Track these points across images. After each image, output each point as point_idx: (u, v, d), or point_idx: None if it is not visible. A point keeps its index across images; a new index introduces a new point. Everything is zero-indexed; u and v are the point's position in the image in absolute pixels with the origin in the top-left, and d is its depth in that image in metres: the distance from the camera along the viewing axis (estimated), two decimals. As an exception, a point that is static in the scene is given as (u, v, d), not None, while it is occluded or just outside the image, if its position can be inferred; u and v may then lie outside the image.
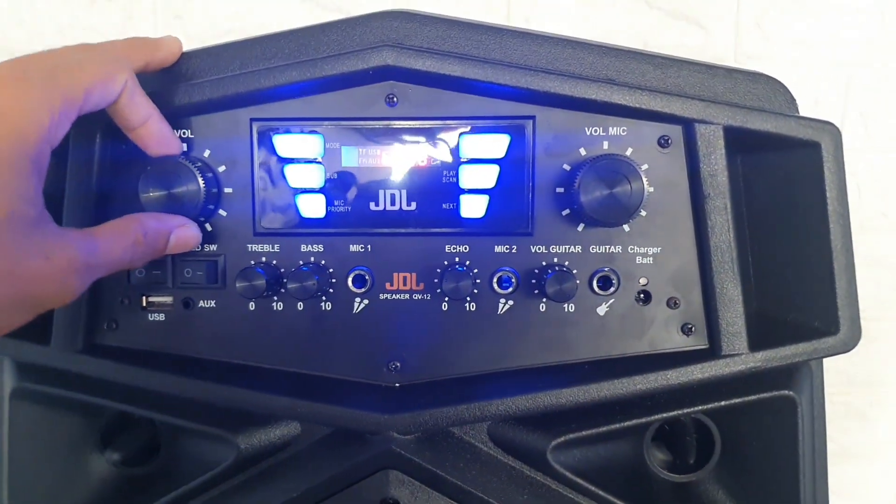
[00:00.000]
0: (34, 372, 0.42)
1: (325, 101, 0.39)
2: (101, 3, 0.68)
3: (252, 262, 0.40)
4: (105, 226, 0.34)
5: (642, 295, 0.40)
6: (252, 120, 0.40)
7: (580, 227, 0.39)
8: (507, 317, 0.40)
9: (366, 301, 0.41)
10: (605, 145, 0.39)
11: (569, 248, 0.40)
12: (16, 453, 0.43)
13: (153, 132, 0.37)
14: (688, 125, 0.38)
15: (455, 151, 0.39)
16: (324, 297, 0.40)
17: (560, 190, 0.39)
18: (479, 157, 0.39)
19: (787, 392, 0.40)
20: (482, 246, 0.40)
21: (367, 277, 0.40)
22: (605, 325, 0.40)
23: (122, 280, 0.41)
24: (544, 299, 0.40)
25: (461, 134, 0.39)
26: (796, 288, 0.39)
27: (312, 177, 0.40)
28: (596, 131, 0.39)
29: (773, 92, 0.40)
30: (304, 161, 0.39)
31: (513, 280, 0.39)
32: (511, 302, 0.40)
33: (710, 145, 0.38)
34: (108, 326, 0.42)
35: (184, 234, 0.37)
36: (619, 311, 0.40)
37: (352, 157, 0.40)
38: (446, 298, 0.40)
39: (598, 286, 0.39)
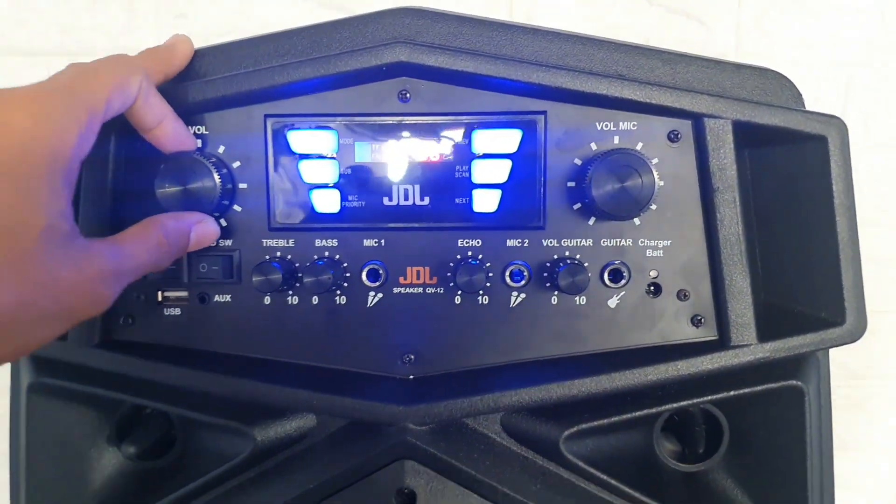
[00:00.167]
0: (51, 366, 0.43)
1: (339, 97, 0.40)
2: (102, 3, 0.68)
3: (267, 257, 0.41)
4: (127, 232, 0.34)
5: (652, 287, 0.40)
6: (266, 116, 0.40)
7: (591, 221, 0.40)
8: (519, 310, 0.41)
9: (380, 295, 0.41)
10: (616, 140, 0.39)
11: (580, 242, 0.40)
12: (34, 447, 0.43)
13: (168, 132, 0.38)
14: (697, 120, 0.39)
15: (467, 146, 0.40)
16: (338, 291, 0.41)
17: (571, 184, 0.40)
18: (491, 152, 0.39)
19: (794, 382, 0.41)
20: (494, 240, 0.40)
21: (380, 271, 0.40)
22: (616, 318, 0.41)
23: (139, 275, 0.41)
24: (556, 292, 0.40)
25: (473, 129, 0.39)
26: (803, 280, 0.40)
27: (326, 172, 0.40)
28: (606, 126, 0.39)
29: (779, 87, 0.41)
30: (318, 157, 0.40)
31: (525, 273, 0.40)
32: (523, 295, 0.41)
33: (719, 139, 0.39)
34: (125, 321, 0.42)
35: (203, 229, 0.38)
36: (630, 303, 0.40)
37: (365, 153, 0.40)
38: (459, 292, 0.41)
39: (609, 279, 0.40)
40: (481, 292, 0.41)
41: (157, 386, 0.41)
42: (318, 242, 0.41)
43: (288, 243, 0.41)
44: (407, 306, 0.41)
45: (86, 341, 0.41)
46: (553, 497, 0.40)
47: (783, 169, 0.40)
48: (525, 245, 0.40)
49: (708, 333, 0.40)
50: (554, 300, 0.41)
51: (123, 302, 0.42)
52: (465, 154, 0.40)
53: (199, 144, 0.40)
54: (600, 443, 0.43)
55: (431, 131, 0.40)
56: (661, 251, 0.40)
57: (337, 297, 0.41)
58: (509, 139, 0.39)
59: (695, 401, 0.41)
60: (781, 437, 0.42)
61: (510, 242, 0.40)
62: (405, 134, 0.40)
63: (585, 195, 0.38)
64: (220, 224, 0.41)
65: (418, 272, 0.41)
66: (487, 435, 0.42)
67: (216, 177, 0.38)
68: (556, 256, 0.40)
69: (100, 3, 0.68)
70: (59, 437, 0.44)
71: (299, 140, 0.40)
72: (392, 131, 0.40)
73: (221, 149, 0.40)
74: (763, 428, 0.43)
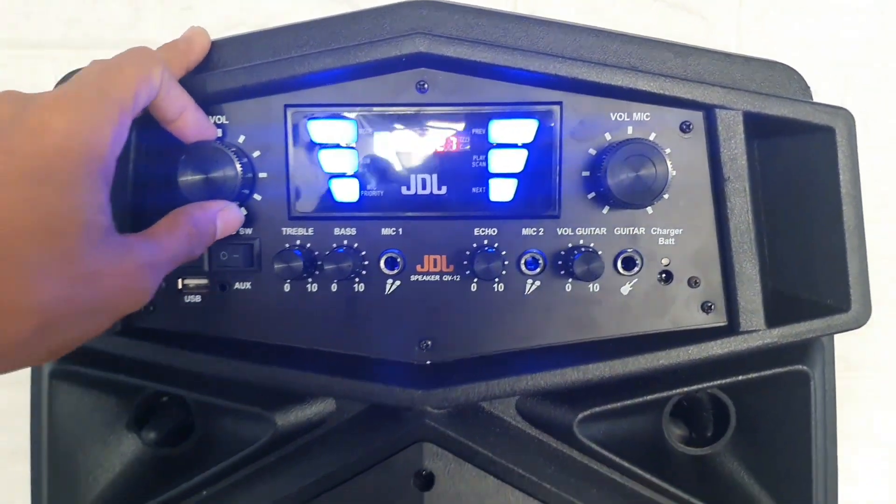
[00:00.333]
0: (73, 353, 0.43)
1: (357, 87, 0.41)
2: (108, -5, 0.68)
3: (287, 245, 0.41)
4: (158, 226, 0.35)
5: (664, 275, 0.41)
6: (286, 106, 0.41)
7: (605, 210, 0.41)
8: (533, 297, 0.42)
9: (397, 282, 0.42)
10: (630, 130, 0.40)
11: (594, 230, 0.41)
12: (55, 433, 0.44)
13: (190, 122, 0.39)
14: (709, 111, 0.40)
15: (484, 136, 0.40)
16: (357, 279, 0.42)
17: (586, 173, 0.41)
18: (507, 141, 0.40)
19: (800, 367, 0.42)
20: (510, 228, 0.41)
21: (398, 260, 0.41)
22: (629, 304, 0.42)
23: (159, 263, 0.42)
24: (570, 280, 0.41)
25: (490, 119, 0.40)
26: (810, 267, 0.41)
27: (346, 162, 0.41)
28: (620, 117, 0.40)
29: (788, 79, 0.42)
30: (337, 146, 0.41)
31: (540, 261, 0.41)
32: (538, 282, 0.42)
33: (730, 130, 0.40)
34: (146, 309, 0.43)
35: (227, 216, 0.38)
36: (642, 290, 0.42)
37: (384, 143, 0.41)
38: (475, 279, 0.42)
39: (623, 266, 0.41)
40: (497, 280, 0.42)
41: (178, 372, 0.42)
42: (336, 231, 0.42)
43: (307, 232, 0.42)
44: (424, 294, 0.42)
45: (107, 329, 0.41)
46: (567, 478, 0.41)
47: (791, 159, 0.41)
48: (540, 233, 0.41)
49: (718, 319, 0.42)
50: (568, 287, 0.42)
51: (144, 289, 0.42)
52: (481, 144, 0.40)
53: (220, 134, 0.41)
54: (612, 427, 0.44)
55: (449, 121, 0.40)
56: (673, 239, 0.41)
57: (355, 285, 0.42)
58: (526, 129, 0.40)
59: (704, 385, 0.42)
60: (787, 421, 0.43)
61: (526, 231, 0.41)
62: (423, 124, 0.41)
63: (600, 184, 0.39)
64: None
65: (435, 260, 0.42)
66: (503, 418, 0.43)
67: (237, 166, 0.39)
68: (570, 245, 0.41)
69: (105, -5, 0.68)
70: (80, 424, 0.45)
71: (319, 130, 0.40)
72: (410, 121, 0.41)
73: (241, 138, 0.41)
74: (769, 412, 0.44)
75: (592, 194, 0.41)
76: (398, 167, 0.41)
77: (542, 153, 0.40)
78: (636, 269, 0.41)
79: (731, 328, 0.41)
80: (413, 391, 0.40)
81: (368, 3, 0.41)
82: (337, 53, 0.39)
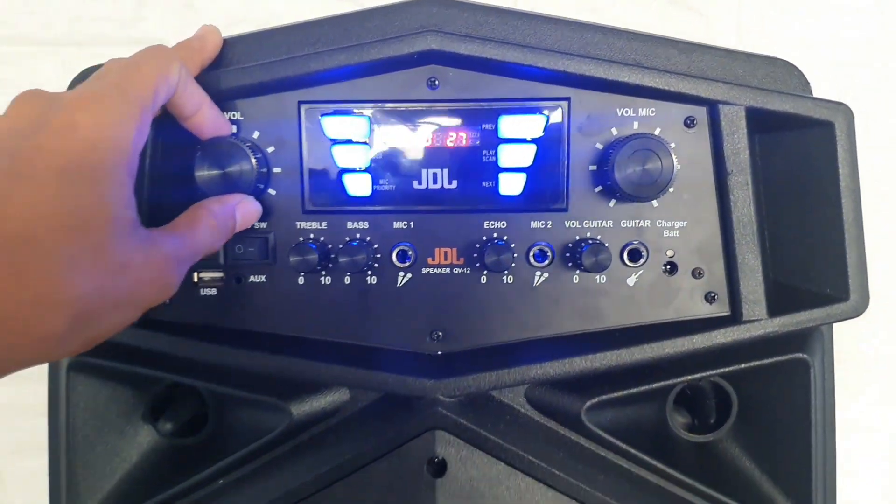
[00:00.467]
0: (90, 346, 0.44)
1: (370, 84, 0.41)
2: (111, -8, 0.68)
3: (301, 239, 0.42)
4: (179, 220, 0.36)
5: (669, 266, 0.43)
6: (300, 102, 0.41)
7: (611, 203, 0.42)
8: (542, 288, 0.43)
9: (409, 275, 0.43)
10: (636, 125, 0.41)
11: (601, 223, 0.42)
12: (73, 424, 0.45)
13: (207, 118, 0.39)
14: (712, 106, 0.41)
15: (494, 132, 0.41)
16: (369, 272, 0.43)
17: (593, 167, 0.42)
18: (517, 136, 0.41)
19: (801, 355, 0.43)
20: (519, 222, 0.42)
21: (410, 252, 0.42)
22: (635, 295, 0.43)
23: (176, 257, 0.43)
24: (577, 271, 0.43)
25: (500, 115, 0.41)
26: (810, 258, 0.42)
27: (358, 157, 0.42)
28: (626, 112, 0.41)
29: (788, 75, 0.43)
30: (350, 142, 0.42)
31: (548, 254, 0.42)
32: (546, 274, 0.43)
33: (733, 125, 0.41)
34: (162, 302, 0.43)
35: (246, 209, 0.39)
36: (648, 281, 0.43)
37: (396, 138, 0.42)
38: (485, 272, 0.43)
39: (629, 258, 0.42)
40: (506, 272, 0.43)
41: (195, 363, 0.43)
42: (349, 225, 0.43)
43: (321, 225, 0.43)
44: (435, 286, 0.43)
45: (125, 321, 0.42)
46: (575, 464, 0.42)
47: (791, 153, 0.42)
48: (548, 226, 0.42)
49: (721, 309, 0.43)
50: (575, 279, 0.43)
51: (161, 283, 0.43)
52: (491, 139, 0.41)
53: (235, 130, 0.42)
54: (618, 414, 0.45)
55: (459, 117, 0.41)
56: (678, 232, 0.42)
57: (368, 277, 0.43)
58: (534, 124, 0.41)
59: (707, 373, 0.44)
60: (787, 408, 0.45)
61: (534, 224, 0.42)
62: (434, 120, 0.42)
63: (607, 178, 0.40)
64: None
65: (446, 253, 0.43)
66: (512, 406, 0.44)
67: (253, 160, 0.40)
68: (578, 237, 0.42)
69: (108, -8, 0.68)
70: (98, 415, 0.46)
71: (333, 126, 0.41)
72: (421, 117, 0.42)
73: (256, 134, 0.42)
74: (770, 399, 0.46)
75: (599, 188, 0.42)
76: (409, 162, 0.42)
77: (550, 148, 0.41)
78: (642, 260, 0.42)
79: (734, 318, 0.42)
80: (425, 380, 0.41)
81: (373, 1, 0.42)
82: (350, 51, 0.40)
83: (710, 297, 0.43)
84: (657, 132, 0.41)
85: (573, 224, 0.42)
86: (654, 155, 0.39)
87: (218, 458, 0.45)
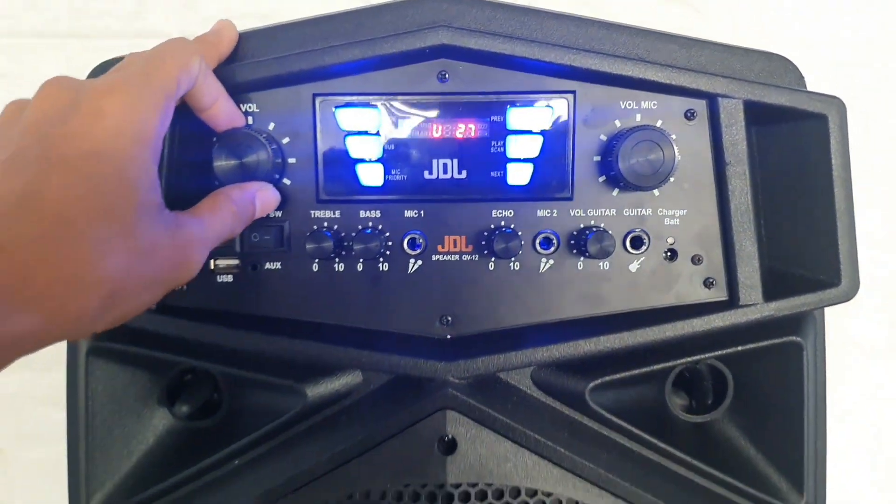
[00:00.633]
0: (109, 331, 0.45)
1: (382, 77, 0.43)
2: (114, -13, 0.69)
3: (315, 227, 0.44)
4: (201, 205, 0.38)
5: (669, 253, 0.44)
6: (315, 95, 0.43)
7: (615, 192, 0.44)
8: (547, 274, 0.44)
9: (420, 262, 0.44)
10: (638, 118, 0.43)
11: (605, 212, 0.44)
12: (92, 407, 0.46)
13: (223, 110, 0.41)
14: (712, 99, 0.43)
15: (502, 123, 0.43)
16: (381, 259, 0.44)
17: (597, 158, 0.43)
18: (524, 128, 0.43)
19: (794, 338, 0.45)
20: (526, 210, 0.44)
21: (420, 240, 0.44)
22: (637, 281, 0.44)
23: (193, 245, 0.44)
24: (582, 258, 0.44)
25: (508, 107, 0.43)
26: (804, 245, 0.44)
27: (371, 148, 0.43)
28: (629, 105, 0.43)
29: (784, 70, 0.45)
30: (363, 133, 0.43)
31: (554, 241, 0.44)
32: (552, 261, 0.44)
33: (731, 117, 0.43)
34: (179, 288, 0.45)
35: (265, 195, 0.41)
36: (649, 267, 0.44)
37: (407, 130, 0.43)
38: (493, 259, 0.44)
39: (631, 245, 0.44)
40: (513, 259, 0.44)
41: (212, 348, 0.44)
42: (362, 214, 0.44)
43: (334, 214, 0.44)
44: (445, 272, 0.44)
45: (143, 307, 0.43)
46: (578, 443, 0.44)
47: (787, 145, 0.44)
48: (554, 215, 0.44)
49: (719, 294, 0.45)
50: (580, 265, 0.44)
51: (178, 270, 0.44)
52: (500, 130, 0.43)
53: (251, 121, 0.43)
54: (620, 395, 0.47)
55: (469, 109, 0.43)
56: (678, 220, 0.44)
57: (380, 265, 0.44)
58: (541, 116, 0.43)
59: (705, 356, 0.46)
60: (781, 389, 0.47)
61: (541, 213, 0.44)
62: (444, 112, 0.43)
63: (611, 168, 0.42)
64: (274, 193, 0.43)
65: (455, 241, 0.44)
66: (519, 388, 0.46)
67: (269, 151, 0.41)
68: (582, 225, 0.44)
69: (111, -14, 0.69)
70: (116, 399, 0.47)
71: (346, 117, 0.43)
72: (432, 109, 0.43)
73: (272, 126, 0.43)
74: (765, 381, 0.47)
75: (603, 178, 0.44)
76: (420, 153, 0.43)
77: (556, 139, 0.43)
78: (643, 247, 0.44)
79: (732, 302, 0.44)
80: (436, 363, 0.43)
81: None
82: (364, 45, 0.41)
83: (708, 283, 0.45)
84: (659, 124, 0.43)
85: (578, 212, 0.44)
86: (656, 146, 0.41)
87: (232, 440, 0.46)
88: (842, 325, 0.69)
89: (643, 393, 0.48)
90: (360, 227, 0.44)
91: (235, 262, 0.44)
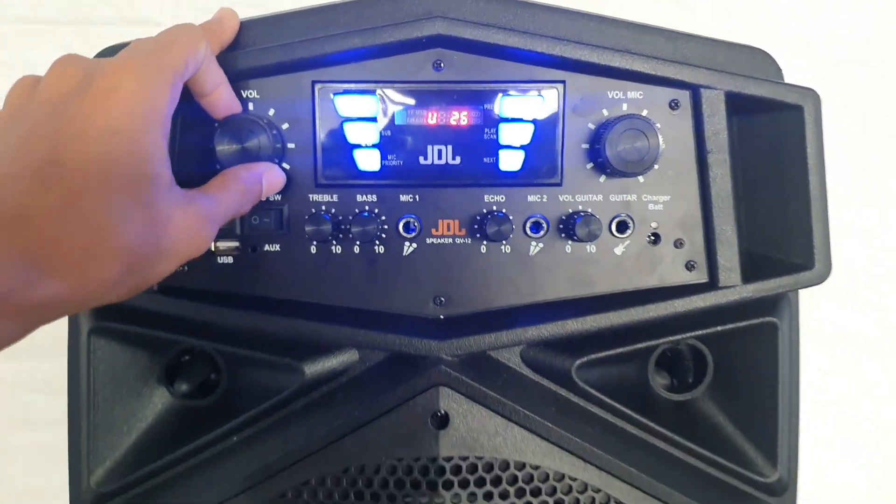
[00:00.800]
0: (110, 312, 0.47)
1: (379, 65, 0.44)
2: (107, -26, 0.69)
3: (313, 211, 0.45)
4: (210, 184, 0.39)
5: (653, 237, 0.46)
6: (314, 82, 0.44)
7: (602, 179, 0.46)
8: (537, 257, 0.46)
9: (414, 245, 0.46)
10: (625, 107, 0.45)
11: (592, 197, 0.46)
12: (93, 386, 0.47)
13: (223, 97, 0.42)
14: (695, 90, 0.45)
15: (495, 111, 0.45)
16: (377, 242, 0.46)
17: (585, 146, 0.45)
18: (516, 116, 0.44)
19: (770, 318, 0.47)
20: (517, 195, 0.46)
21: (415, 224, 0.45)
22: (622, 263, 0.46)
23: (195, 227, 0.45)
24: (570, 242, 0.46)
25: (501, 96, 0.44)
26: (780, 230, 0.47)
27: (368, 134, 0.45)
28: (617, 95, 0.45)
29: (764, 63, 0.47)
30: (361, 119, 0.44)
31: (543, 225, 0.45)
32: (541, 244, 0.46)
33: (713, 108, 0.45)
34: (180, 269, 0.46)
35: (271, 176, 0.42)
36: (634, 251, 0.46)
37: (403, 116, 0.45)
38: (485, 242, 0.46)
39: (616, 229, 0.46)
40: (504, 242, 0.46)
41: (212, 327, 0.45)
42: (359, 198, 0.45)
43: (332, 198, 0.45)
44: (439, 255, 0.46)
45: (145, 287, 0.45)
46: (565, 418, 0.46)
47: (765, 134, 0.46)
48: (544, 200, 0.46)
49: (700, 277, 0.47)
50: (568, 249, 0.46)
51: (179, 251, 0.46)
52: (493, 118, 0.45)
53: (251, 108, 0.44)
54: (605, 374, 0.49)
55: (463, 97, 0.45)
56: (662, 205, 0.46)
57: (376, 247, 0.46)
58: (533, 105, 0.44)
59: (686, 335, 0.48)
60: (758, 367, 0.49)
61: (531, 198, 0.46)
62: (439, 99, 0.45)
63: (599, 155, 0.44)
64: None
65: (449, 224, 0.46)
66: (509, 366, 0.48)
67: (270, 135, 0.43)
68: (571, 210, 0.46)
69: (104, -26, 0.69)
70: (116, 377, 0.49)
71: (345, 104, 0.44)
72: (427, 97, 0.45)
73: (272, 112, 0.45)
74: (742, 360, 0.50)
75: (591, 164, 0.45)
76: (416, 139, 0.45)
77: (546, 127, 0.45)
78: (628, 231, 0.46)
79: (712, 284, 0.46)
80: (430, 341, 0.44)
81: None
82: (362, 34, 0.42)
83: (690, 266, 0.47)
84: (645, 113, 0.45)
85: (566, 198, 0.46)
86: (642, 134, 0.43)
87: (230, 418, 0.48)
88: (839, 319, 0.71)
89: (627, 372, 0.51)
90: (357, 210, 0.45)
91: (235, 244, 0.46)
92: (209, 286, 0.46)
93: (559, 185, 0.45)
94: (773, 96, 0.44)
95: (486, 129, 0.45)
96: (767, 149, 0.46)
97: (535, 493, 0.45)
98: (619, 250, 0.46)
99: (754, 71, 0.46)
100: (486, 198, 0.46)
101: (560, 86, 0.44)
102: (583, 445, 0.45)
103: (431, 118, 0.45)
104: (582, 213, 0.45)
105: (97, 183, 0.31)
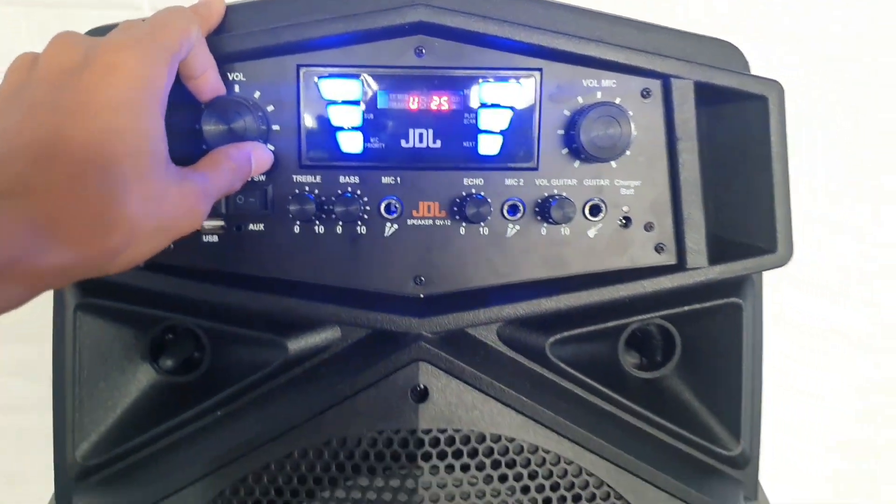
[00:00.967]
0: (96, 288, 0.48)
1: (363, 50, 0.46)
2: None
3: (297, 191, 0.46)
4: (202, 162, 0.40)
5: (624, 220, 0.48)
6: (299, 66, 0.45)
7: (576, 164, 0.47)
8: (513, 239, 0.48)
9: (395, 226, 0.48)
10: (599, 95, 0.47)
11: (566, 181, 0.48)
12: (79, 362, 0.48)
13: (209, 81, 0.43)
14: (665, 80, 0.47)
15: (475, 97, 0.46)
16: (359, 222, 0.47)
17: (561, 132, 0.47)
18: (495, 102, 0.46)
19: (735, 299, 0.50)
20: (495, 179, 0.47)
21: (396, 205, 0.47)
22: (594, 245, 0.48)
23: (180, 206, 0.46)
24: (545, 224, 0.48)
25: (480, 82, 0.46)
26: (745, 215, 0.49)
27: (351, 117, 0.46)
28: (591, 83, 0.47)
29: (732, 55, 0.49)
30: (344, 103, 0.46)
31: (520, 208, 0.47)
32: (518, 227, 0.48)
33: (683, 97, 0.47)
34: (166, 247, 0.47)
35: (259, 154, 0.43)
36: (606, 233, 0.48)
37: (385, 101, 0.46)
38: (464, 224, 0.48)
39: (590, 213, 0.48)
40: (483, 224, 0.48)
41: (197, 304, 0.47)
42: (342, 179, 0.47)
43: (315, 179, 0.47)
44: (419, 236, 0.48)
45: (131, 264, 0.46)
46: (539, 394, 0.48)
47: (732, 123, 0.48)
48: (521, 183, 0.47)
49: (668, 259, 0.49)
50: (543, 231, 0.48)
51: (165, 230, 0.47)
52: (472, 104, 0.46)
53: (237, 90, 0.45)
54: (577, 351, 0.51)
55: (444, 83, 0.46)
56: (633, 190, 0.48)
57: (358, 227, 0.47)
58: (511, 92, 0.46)
59: (655, 314, 0.50)
60: (722, 346, 0.51)
61: (509, 181, 0.47)
62: (420, 84, 0.46)
63: (573, 141, 0.46)
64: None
65: (429, 206, 0.47)
66: (486, 342, 0.50)
67: (255, 116, 0.44)
68: (546, 194, 0.48)
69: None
70: (101, 353, 0.49)
71: (329, 87, 0.45)
72: (409, 82, 0.46)
73: (257, 94, 0.46)
74: (708, 339, 0.52)
75: (566, 150, 0.47)
76: (398, 122, 0.46)
77: (524, 113, 0.47)
78: (601, 215, 0.48)
79: (680, 265, 0.48)
80: (410, 319, 0.46)
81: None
82: (347, 20, 0.44)
83: (659, 248, 0.49)
84: (618, 101, 0.47)
85: (543, 182, 0.47)
86: (615, 121, 0.45)
87: (214, 394, 0.49)
88: (831, 316, 0.72)
89: (599, 350, 0.53)
90: (339, 191, 0.47)
91: (221, 223, 0.47)
92: (195, 264, 0.47)
93: (535, 169, 0.47)
94: (739, 87, 0.46)
95: (465, 114, 0.46)
96: (734, 137, 0.49)
97: (510, 464, 0.47)
98: (591, 233, 0.48)
99: (722, 62, 0.48)
100: (466, 181, 0.47)
101: (537, 73, 0.46)
102: (556, 419, 0.47)
103: (413, 103, 0.46)
104: (557, 197, 0.47)
105: (100, 157, 0.32)
